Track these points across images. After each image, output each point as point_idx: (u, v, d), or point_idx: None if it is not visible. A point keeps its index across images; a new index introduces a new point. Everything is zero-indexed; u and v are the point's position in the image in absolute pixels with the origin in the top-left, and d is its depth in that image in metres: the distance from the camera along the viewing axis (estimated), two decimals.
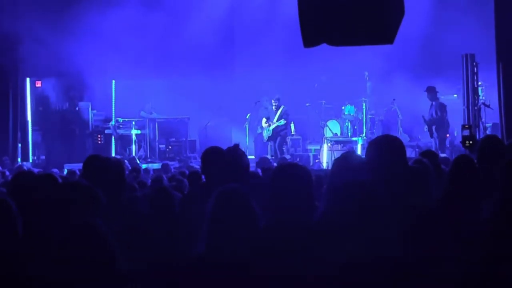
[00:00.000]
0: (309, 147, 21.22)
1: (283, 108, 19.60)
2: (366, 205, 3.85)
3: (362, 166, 4.75)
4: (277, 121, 19.57)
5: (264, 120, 19.86)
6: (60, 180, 5.58)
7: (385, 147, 4.65)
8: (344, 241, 3.77)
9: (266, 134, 19.81)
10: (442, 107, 17.91)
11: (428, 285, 3.99)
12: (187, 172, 10.19)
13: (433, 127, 17.71)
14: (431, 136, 17.99)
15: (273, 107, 19.68)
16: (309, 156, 20.07)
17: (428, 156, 6.65)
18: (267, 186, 4.32)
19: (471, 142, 12.58)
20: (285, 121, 19.57)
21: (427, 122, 17.76)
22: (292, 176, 4.26)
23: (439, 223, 4.38)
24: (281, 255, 3.85)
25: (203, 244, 3.96)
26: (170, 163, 16.25)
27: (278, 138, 19.71)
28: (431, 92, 17.97)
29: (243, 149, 5.82)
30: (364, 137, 19.54)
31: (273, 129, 19.63)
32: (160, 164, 16.08)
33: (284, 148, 19.95)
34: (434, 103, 17.94)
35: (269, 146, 19.92)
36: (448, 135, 19.54)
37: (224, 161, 5.53)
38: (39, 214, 4.25)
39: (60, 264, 3.26)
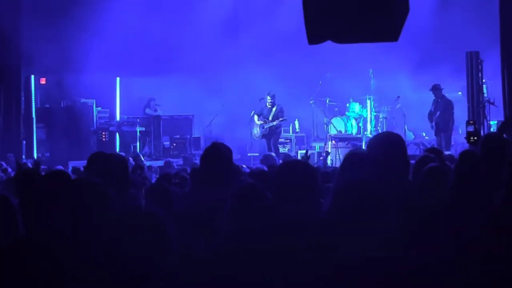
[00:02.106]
0: (313, 144, 21.21)
1: (277, 106, 19.12)
2: (370, 204, 3.85)
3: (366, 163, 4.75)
4: (273, 120, 19.04)
5: (256, 117, 19.38)
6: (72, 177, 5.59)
7: (385, 144, 4.64)
8: (348, 239, 3.77)
9: (260, 132, 19.32)
10: (449, 105, 17.87)
11: (433, 285, 3.99)
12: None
13: (440, 125, 17.65)
14: (436, 134, 17.93)
15: (268, 104, 19.23)
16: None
17: (433, 153, 6.64)
18: (273, 183, 4.34)
19: (475, 138, 12.54)
20: (279, 121, 19.11)
21: (435, 120, 17.70)
22: (297, 172, 4.26)
23: (445, 220, 4.38)
24: (293, 250, 3.86)
25: (222, 237, 3.98)
26: (174, 160, 16.24)
27: (274, 136, 19.21)
28: (437, 90, 17.95)
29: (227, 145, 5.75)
30: (369, 135, 19.52)
31: (269, 128, 19.17)
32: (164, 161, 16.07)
33: (279, 146, 19.70)
34: (440, 100, 17.90)
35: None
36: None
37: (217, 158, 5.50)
38: (50, 211, 4.25)
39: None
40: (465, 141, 12.35)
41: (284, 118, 19.19)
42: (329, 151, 18.00)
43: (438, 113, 17.71)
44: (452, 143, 18.63)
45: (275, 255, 3.84)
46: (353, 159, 4.95)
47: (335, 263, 3.67)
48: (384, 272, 3.62)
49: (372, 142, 4.76)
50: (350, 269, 3.65)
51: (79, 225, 3.84)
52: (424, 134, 20.51)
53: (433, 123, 17.85)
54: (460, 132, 19.03)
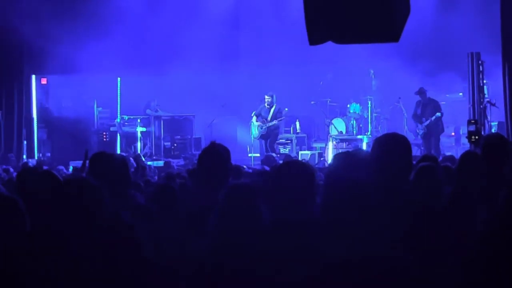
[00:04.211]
0: (314, 145, 21.22)
1: (275, 107, 19.12)
2: (364, 203, 3.85)
3: (361, 164, 4.74)
4: (271, 120, 19.05)
5: (254, 118, 19.34)
6: (60, 178, 5.59)
7: (391, 145, 4.62)
8: (343, 239, 3.77)
9: (258, 132, 19.31)
10: (438, 107, 17.78)
11: (431, 284, 3.99)
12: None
13: (431, 128, 17.51)
14: (425, 137, 17.60)
15: (266, 105, 19.19)
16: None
17: (429, 161, 6.62)
18: (273, 182, 4.34)
19: (477, 137, 12.54)
20: (278, 121, 19.11)
21: (428, 122, 17.50)
22: (296, 172, 4.26)
23: (445, 221, 4.38)
24: (283, 251, 3.86)
25: (210, 238, 3.99)
26: (175, 160, 16.23)
27: (271, 136, 19.21)
28: (423, 93, 17.82)
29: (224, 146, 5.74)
30: (370, 135, 19.52)
31: (268, 128, 19.15)
32: (164, 162, 16.09)
33: (275, 146, 19.68)
34: (426, 103, 17.71)
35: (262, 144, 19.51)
36: (453, 133, 19.50)
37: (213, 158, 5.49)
38: (44, 211, 4.27)
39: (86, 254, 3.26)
40: (466, 141, 12.38)
41: (282, 117, 19.21)
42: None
43: (438, 114, 17.52)
44: (453, 143, 18.60)
45: (265, 255, 3.84)
46: (344, 160, 4.94)
47: (325, 262, 3.68)
48: (377, 272, 3.62)
49: (376, 142, 4.74)
50: (341, 269, 3.65)
51: (70, 224, 3.85)
52: None
53: (424, 125, 17.62)
54: (461, 133, 19.02)
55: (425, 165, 5.76)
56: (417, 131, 17.89)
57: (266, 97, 19.20)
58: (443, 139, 18.37)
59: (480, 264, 4.14)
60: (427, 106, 17.70)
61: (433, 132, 17.55)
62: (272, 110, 19.07)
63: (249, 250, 3.86)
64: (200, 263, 3.94)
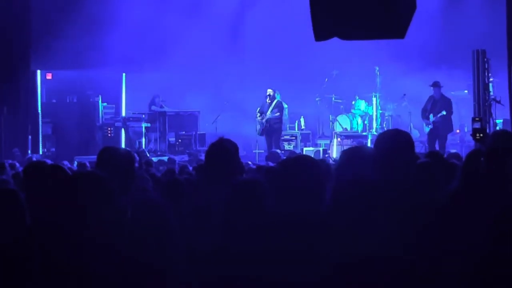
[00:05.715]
0: (319, 142, 21.22)
1: (277, 101, 19.01)
2: (372, 203, 3.84)
3: (370, 160, 4.73)
4: (270, 112, 18.92)
5: (258, 115, 19.23)
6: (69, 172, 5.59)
7: (394, 142, 4.61)
8: (349, 237, 3.77)
9: (259, 127, 19.23)
10: (450, 104, 17.69)
11: (437, 283, 3.98)
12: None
13: (439, 126, 17.44)
14: (432, 135, 17.48)
15: (268, 100, 19.08)
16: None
17: (434, 157, 6.60)
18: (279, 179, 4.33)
19: (481, 135, 12.50)
20: (278, 113, 18.99)
21: (436, 119, 17.42)
22: (301, 168, 4.26)
23: (449, 219, 4.37)
24: (290, 247, 3.86)
25: (219, 234, 3.98)
26: (180, 156, 16.22)
27: (274, 134, 18.99)
28: (438, 87, 17.66)
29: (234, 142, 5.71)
30: (374, 132, 19.50)
31: (267, 121, 18.97)
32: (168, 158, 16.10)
33: (280, 143, 19.60)
34: (438, 98, 17.63)
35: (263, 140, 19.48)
36: (458, 130, 19.45)
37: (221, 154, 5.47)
38: (52, 204, 4.26)
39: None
40: (470, 138, 12.34)
41: (277, 113, 18.94)
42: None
43: (444, 112, 17.42)
44: (458, 141, 18.54)
45: (271, 253, 3.83)
46: (352, 155, 4.93)
47: (332, 262, 3.67)
48: (381, 272, 3.62)
49: (378, 139, 4.73)
50: (347, 268, 3.65)
51: (80, 218, 3.85)
52: None
53: (430, 122, 17.51)
54: (466, 130, 18.98)
55: (421, 162, 5.75)
56: (425, 127, 17.80)
57: (268, 90, 19.14)
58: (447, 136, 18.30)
59: (485, 264, 4.14)
60: (437, 103, 17.51)
61: (440, 130, 17.42)
62: (272, 105, 18.99)
63: (256, 247, 3.85)
64: (206, 259, 3.93)
